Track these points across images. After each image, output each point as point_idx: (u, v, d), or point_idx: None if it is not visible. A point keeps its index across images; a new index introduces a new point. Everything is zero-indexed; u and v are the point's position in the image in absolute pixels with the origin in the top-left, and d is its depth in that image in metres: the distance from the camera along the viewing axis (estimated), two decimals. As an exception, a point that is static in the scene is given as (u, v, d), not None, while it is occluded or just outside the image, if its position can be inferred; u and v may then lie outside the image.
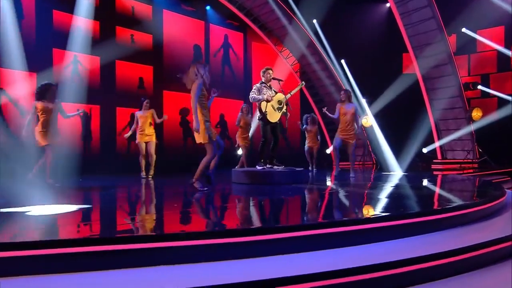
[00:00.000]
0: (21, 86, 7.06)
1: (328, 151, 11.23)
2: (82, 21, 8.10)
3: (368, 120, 11.26)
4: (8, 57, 6.88)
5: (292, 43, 11.44)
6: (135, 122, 6.66)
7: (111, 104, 8.56)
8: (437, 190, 5.02)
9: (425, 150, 10.76)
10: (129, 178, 6.75)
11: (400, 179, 6.49)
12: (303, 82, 6.14)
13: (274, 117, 5.50)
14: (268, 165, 5.61)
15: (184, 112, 9.76)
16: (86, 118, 8.15)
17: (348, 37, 11.46)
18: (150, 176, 6.66)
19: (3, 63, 6.92)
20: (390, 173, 8.26)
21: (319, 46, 11.49)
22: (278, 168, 5.52)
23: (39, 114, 5.05)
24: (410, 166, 9.46)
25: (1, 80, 7.04)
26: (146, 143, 6.64)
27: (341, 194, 4.43)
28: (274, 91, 5.61)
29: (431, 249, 2.19)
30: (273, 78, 5.64)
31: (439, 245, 2.34)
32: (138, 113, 6.66)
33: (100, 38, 8.40)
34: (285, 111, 5.56)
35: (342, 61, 11.39)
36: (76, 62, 8.07)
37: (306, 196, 4.44)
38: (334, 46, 11.45)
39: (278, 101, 5.55)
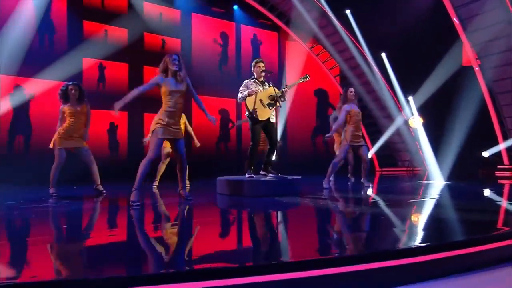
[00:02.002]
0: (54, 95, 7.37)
1: (369, 155, 10.38)
2: (111, 30, 8.30)
3: (416, 120, 10.17)
4: (39, 68, 7.21)
5: (329, 42, 10.72)
6: None
7: (139, 110, 8.64)
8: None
9: (486, 154, 9.35)
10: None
11: (448, 191, 5.35)
12: (306, 75, 5.27)
13: (263, 114, 4.76)
14: (262, 173, 4.93)
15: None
16: (113, 126, 8.30)
17: (387, 27, 10.28)
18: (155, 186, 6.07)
19: (35, 74, 7.27)
20: (431, 181, 7.00)
21: (357, 42, 10.61)
22: (268, 177, 4.80)
23: (67, 117, 4.77)
24: (462, 173, 8.19)
25: (34, 90, 7.41)
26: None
27: (349, 211, 3.63)
28: (271, 86, 4.88)
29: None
30: (263, 71, 4.91)
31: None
32: None
33: (128, 45, 8.53)
34: (277, 106, 4.83)
35: (383, 54, 10.34)
36: (104, 69, 8.26)
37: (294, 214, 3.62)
38: (372, 38, 10.41)
39: (270, 96, 4.82)
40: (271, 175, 4.96)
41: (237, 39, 10.45)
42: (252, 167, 4.86)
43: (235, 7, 10.15)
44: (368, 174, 5.72)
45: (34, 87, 7.44)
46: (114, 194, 5.17)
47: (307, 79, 5.20)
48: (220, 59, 10.02)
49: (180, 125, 3.98)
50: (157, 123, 3.80)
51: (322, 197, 4.69)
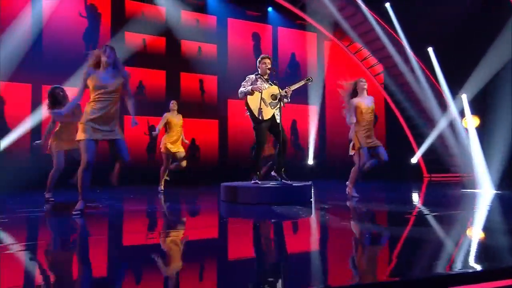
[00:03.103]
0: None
1: (415, 160, 9.62)
2: (150, 39, 8.68)
3: (470, 121, 9.26)
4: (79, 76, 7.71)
5: (370, 41, 10.20)
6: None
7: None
8: None
9: None
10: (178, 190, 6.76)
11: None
12: (310, 77, 4.94)
13: (266, 113, 4.46)
14: (273, 174, 4.61)
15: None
16: (151, 130, 8.63)
17: (432, 19, 9.43)
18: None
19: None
20: (478, 190, 6.09)
21: (398, 38, 9.94)
22: (275, 184, 4.45)
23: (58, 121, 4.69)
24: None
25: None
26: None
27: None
28: (274, 85, 4.57)
29: None
30: (269, 68, 4.60)
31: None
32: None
33: (166, 53, 8.84)
34: (281, 106, 4.50)
35: (430, 49, 9.52)
36: (143, 77, 8.66)
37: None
38: (414, 33, 9.62)
39: (272, 95, 4.54)
40: (283, 180, 4.55)
41: (273, 42, 10.36)
42: (258, 172, 4.62)
43: (270, 9, 10.06)
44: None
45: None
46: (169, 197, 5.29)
47: (310, 81, 4.94)
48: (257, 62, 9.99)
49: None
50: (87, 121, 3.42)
51: (330, 206, 4.29)
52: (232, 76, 9.42)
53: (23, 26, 7.56)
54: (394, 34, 9.93)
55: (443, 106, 9.27)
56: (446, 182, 8.59)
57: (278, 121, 4.57)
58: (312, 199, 4.65)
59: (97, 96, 3.44)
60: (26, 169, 6.30)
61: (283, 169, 4.57)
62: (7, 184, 5.92)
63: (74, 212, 3.41)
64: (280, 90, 4.51)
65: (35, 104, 7.50)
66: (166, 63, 8.83)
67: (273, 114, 4.54)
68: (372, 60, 10.89)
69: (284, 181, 4.53)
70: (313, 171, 10.13)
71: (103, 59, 3.47)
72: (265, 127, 4.52)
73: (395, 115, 10.74)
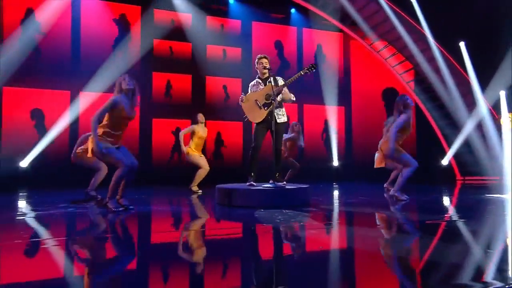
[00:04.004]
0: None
1: (445, 161, 9.17)
2: (177, 45, 9.04)
3: (507, 120, 8.74)
4: (111, 82, 8.20)
5: (398, 38, 9.90)
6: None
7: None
8: None
9: None
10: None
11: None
12: (312, 65, 4.51)
13: (256, 116, 4.40)
14: (271, 182, 4.47)
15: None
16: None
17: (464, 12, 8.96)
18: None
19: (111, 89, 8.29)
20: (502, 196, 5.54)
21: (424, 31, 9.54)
22: (267, 186, 4.32)
23: None
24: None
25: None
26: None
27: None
28: (270, 83, 4.37)
29: None
30: (265, 68, 4.50)
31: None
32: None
33: (192, 58, 9.16)
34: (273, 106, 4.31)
35: (461, 43, 9.05)
36: (170, 81, 9.02)
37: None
38: (444, 27, 9.18)
39: (267, 95, 4.40)
40: (279, 184, 4.44)
41: (298, 43, 10.38)
42: (253, 174, 4.49)
43: (293, 10, 10.09)
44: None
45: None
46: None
47: (312, 70, 4.46)
48: (282, 64, 10.06)
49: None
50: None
51: (317, 210, 4.04)
52: (255, 78, 9.58)
53: (62, 36, 8.22)
54: (418, 27, 9.54)
55: (473, 104, 8.81)
56: (479, 185, 8.15)
57: (280, 121, 4.47)
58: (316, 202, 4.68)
59: (117, 121, 3.78)
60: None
61: (277, 174, 4.48)
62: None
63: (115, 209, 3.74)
64: (274, 89, 4.33)
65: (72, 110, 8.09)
66: (192, 68, 9.14)
67: (270, 114, 4.38)
68: (399, 57, 10.58)
69: (280, 184, 4.40)
70: (339, 172, 10.02)
71: (124, 86, 3.80)
72: (261, 129, 4.49)
73: (424, 114, 10.37)
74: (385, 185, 6.05)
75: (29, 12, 7.95)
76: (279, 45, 10.19)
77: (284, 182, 4.59)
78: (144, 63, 8.77)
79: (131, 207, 3.90)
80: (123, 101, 3.77)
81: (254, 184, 4.45)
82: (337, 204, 4.91)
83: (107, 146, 3.67)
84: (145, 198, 5.43)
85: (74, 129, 7.93)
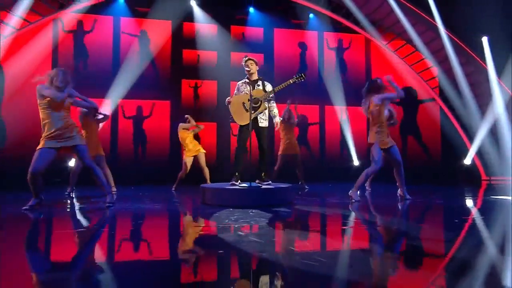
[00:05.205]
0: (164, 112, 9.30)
1: (468, 161, 9.02)
2: (204, 54, 9.85)
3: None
4: (145, 90, 9.18)
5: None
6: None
7: (226, 121, 9.89)
8: None
9: None
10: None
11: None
12: (300, 74, 4.59)
13: (242, 118, 4.43)
14: (256, 181, 4.56)
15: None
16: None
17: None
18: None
19: (146, 96, 9.27)
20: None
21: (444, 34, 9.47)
22: (242, 186, 4.34)
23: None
24: None
25: (147, 109, 9.45)
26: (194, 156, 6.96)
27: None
28: (260, 86, 4.50)
29: None
30: (248, 71, 4.64)
31: None
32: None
33: (217, 65, 9.90)
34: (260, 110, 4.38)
35: (484, 39, 8.85)
36: (198, 88, 9.84)
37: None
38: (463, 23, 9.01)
39: (255, 98, 4.45)
40: (265, 183, 4.55)
41: (319, 47, 10.75)
42: (237, 173, 4.53)
43: (311, 15, 10.47)
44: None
45: (144, 107, 9.50)
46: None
47: (301, 79, 4.59)
48: (302, 68, 10.50)
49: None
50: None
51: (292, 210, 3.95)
52: (277, 82, 10.10)
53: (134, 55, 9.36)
54: (433, 21, 9.46)
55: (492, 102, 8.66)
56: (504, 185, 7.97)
57: (262, 125, 4.55)
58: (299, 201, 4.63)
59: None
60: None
61: (263, 174, 4.59)
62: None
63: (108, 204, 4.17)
64: (264, 93, 4.46)
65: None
66: (217, 74, 9.89)
67: (255, 118, 4.47)
68: (417, 55, 10.58)
69: (255, 184, 4.46)
70: (359, 171, 10.20)
71: (58, 82, 4.00)
72: (245, 131, 4.50)
73: (447, 115, 10.29)
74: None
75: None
76: (301, 50, 10.63)
77: (270, 182, 4.68)
78: (175, 72, 9.68)
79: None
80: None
81: (236, 183, 4.49)
82: (318, 205, 4.70)
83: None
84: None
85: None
